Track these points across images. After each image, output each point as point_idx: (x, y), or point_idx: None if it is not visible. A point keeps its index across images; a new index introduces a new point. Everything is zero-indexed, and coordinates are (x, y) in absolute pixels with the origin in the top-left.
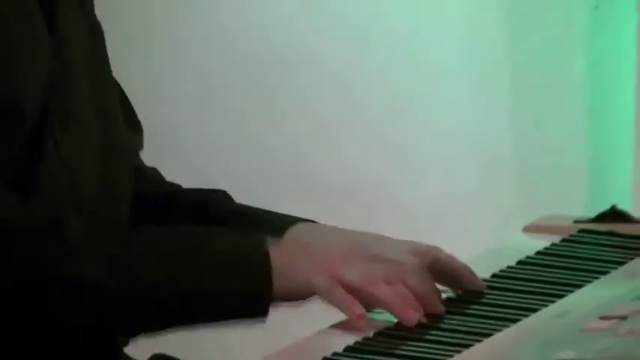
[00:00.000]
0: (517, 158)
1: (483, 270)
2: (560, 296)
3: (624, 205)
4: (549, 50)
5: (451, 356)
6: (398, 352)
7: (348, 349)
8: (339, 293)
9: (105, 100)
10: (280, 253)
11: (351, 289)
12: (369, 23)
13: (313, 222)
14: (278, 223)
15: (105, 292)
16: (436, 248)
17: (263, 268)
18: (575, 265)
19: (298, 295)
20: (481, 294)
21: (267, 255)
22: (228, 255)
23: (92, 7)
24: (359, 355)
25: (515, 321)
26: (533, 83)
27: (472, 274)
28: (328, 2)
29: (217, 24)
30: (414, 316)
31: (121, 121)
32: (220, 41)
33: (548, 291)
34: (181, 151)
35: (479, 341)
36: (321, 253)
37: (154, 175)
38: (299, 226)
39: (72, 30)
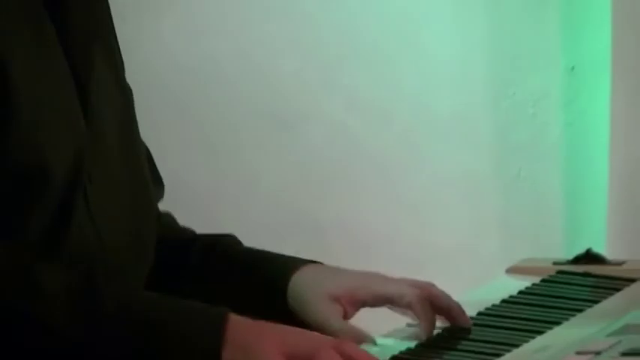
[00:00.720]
0: (501, 206)
1: (470, 308)
2: (540, 332)
3: (598, 249)
4: (530, 110)
5: None
6: None
7: None
8: None
9: (134, 160)
10: (234, 337)
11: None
12: (365, 87)
13: (317, 263)
14: (285, 266)
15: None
16: (432, 285)
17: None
18: (554, 304)
19: None
20: (468, 330)
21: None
22: (182, 337)
23: (124, 71)
24: None
25: (498, 355)
26: (516, 139)
27: (462, 311)
28: (331, 66)
29: (226, 87)
30: None
31: (149, 180)
32: (231, 102)
33: (529, 328)
34: (190, 200)
35: None
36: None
37: (169, 221)
38: (305, 269)
39: (104, 93)
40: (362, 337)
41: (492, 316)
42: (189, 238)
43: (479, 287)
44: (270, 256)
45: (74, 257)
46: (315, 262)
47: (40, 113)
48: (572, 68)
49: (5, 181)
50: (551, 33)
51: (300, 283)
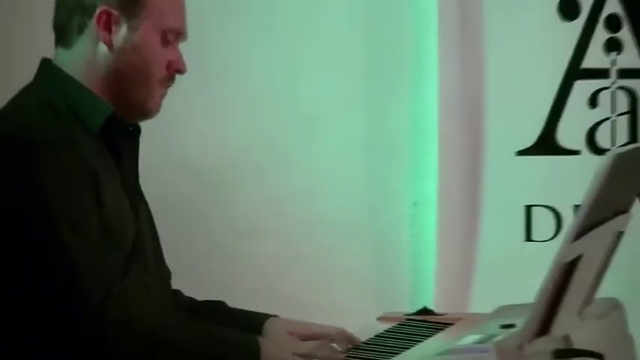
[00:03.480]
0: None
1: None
2: (397, 354)
3: (430, 307)
4: (393, 233)
5: None
6: None
7: None
8: None
9: (156, 249)
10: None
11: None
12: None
13: (278, 316)
14: (261, 317)
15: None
16: (344, 329)
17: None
18: (406, 338)
19: None
20: (363, 348)
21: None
22: (237, 346)
23: (145, 201)
24: None
25: None
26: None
27: (360, 341)
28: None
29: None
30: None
31: (165, 264)
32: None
33: (393, 351)
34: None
35: None
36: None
37: (182, 294)
38: (272, 318)
39: (140, 207)
40: None
41: (371, 344)
42: (197, 302)
43: (359, 329)
44: (249, 312)
45: (134, 296)
46: (276, 315)
47: (118, 207)
48: (415, 202)
49: (110, 250)
50: (401, 180)
51: (270, 325)
